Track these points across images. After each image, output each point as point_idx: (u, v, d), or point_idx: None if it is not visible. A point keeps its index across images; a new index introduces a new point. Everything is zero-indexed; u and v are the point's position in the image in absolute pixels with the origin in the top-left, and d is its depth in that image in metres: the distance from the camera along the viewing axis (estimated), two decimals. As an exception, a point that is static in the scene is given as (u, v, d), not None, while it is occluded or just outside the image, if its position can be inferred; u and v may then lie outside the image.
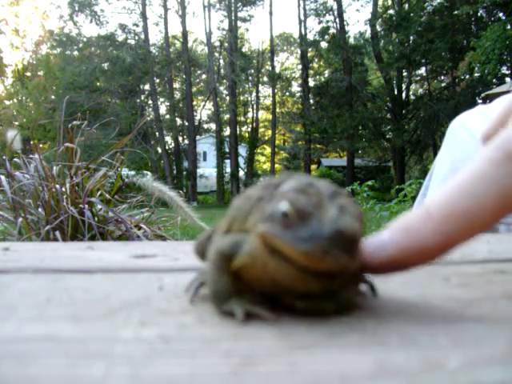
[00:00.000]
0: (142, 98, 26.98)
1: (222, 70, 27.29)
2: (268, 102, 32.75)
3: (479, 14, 22.63)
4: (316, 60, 29.75)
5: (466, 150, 1.10)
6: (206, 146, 30.71)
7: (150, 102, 27.11)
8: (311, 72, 29.32)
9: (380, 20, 25.37)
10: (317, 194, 0.30)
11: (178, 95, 28.91)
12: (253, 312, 0.29)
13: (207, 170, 28.52)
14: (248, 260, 0.30)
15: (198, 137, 28.00)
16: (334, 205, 0.29)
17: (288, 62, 33.66)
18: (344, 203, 0.30)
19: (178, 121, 27.90)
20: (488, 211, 0.28)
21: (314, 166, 31.13)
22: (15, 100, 33.56)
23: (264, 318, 0.29)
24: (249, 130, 31.02)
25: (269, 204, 0.30)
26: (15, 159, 2.67)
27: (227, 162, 26.68)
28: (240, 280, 0.31)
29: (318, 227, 0.27)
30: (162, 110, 28.93)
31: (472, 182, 0.29)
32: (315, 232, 0.27)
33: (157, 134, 26.50)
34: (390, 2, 26.52)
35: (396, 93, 25.70)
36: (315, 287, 0.29)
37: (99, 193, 2.53)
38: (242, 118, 30.89)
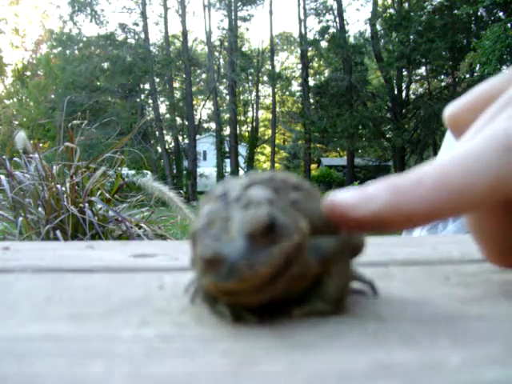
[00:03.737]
0: (142, 97, 27.00)
1: (221, 70, 27.30)
2: (268, 101, 32.80)
3: (479, 14, 22.62)
4: (316, 59, 29.76)
5: None
6: (206, 145, 30.73)
7: (150, 101, 27.12)
8: (311, 71, 29.33)
9: (380, 19, 25.37)
10: (224, 206, 0.29)
11: (178, 94, 28.92)
12: (238, 314, 0.30)
13: (207, 169, 28.53)
14: (215, 295, 0.30)
15: (197, 136, 28.01)
16: (238, 208, 0.28)
17: (288, 61, 33.69)
18: (249, 196, 0.29)
19: (178, 120, 27.92)
20: (478, 192, 0.28)
21: (313, 166, 31.14)
22: (15, 99, 33.57)
23: (247, 321, 0.29)
24: (249, 129, 31.05)
25: (197, 247, 0.29)
26: (15, 158, 2.67)
27: (227, 161, 26.70)
28: None
29: (230, 252, 0.26)
30: (162, 109, 28.97)
31: (469, 160, 0.29)
32: (230, 259, 0.26)
33: (157, 133, 26.51)
34: (389, 2, 26.52)
35: (396, 92, 25.72)
36: (288, 288, 0.29)
37: (99, 192, 2.54)
38: (242, 118, 30.92)
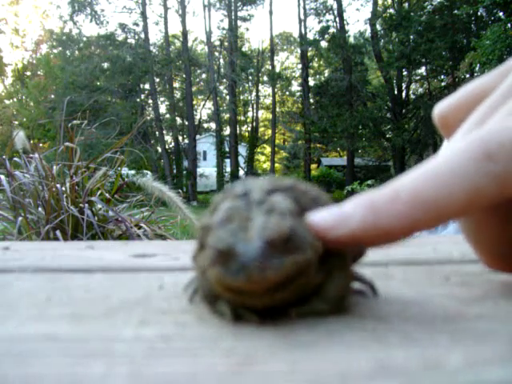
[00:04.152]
0: (142, 97, 27.00)
1: (222, 70, 27.29)
2: (268, 101, 32.79)
3: (479, 14, 22.61)
4: (316, 59, 29.76)
5: None
6: (205, 145, 30.72)
7: (150, 101, 27.13)
8: (311, 71, 29.33)
9: (380, 19, 25.37)
10: (246, 206, 0.30)
11: (177, 94, 28.93)
12: (239, 313, 0.30)
13: (207, 169, 28.54)
14: (218, 290, 0.30)
15: (197, 136, 28.00)
16: (261, 211, 0.29)
17: (288, 61, 33.69)
18: (273, 203, 0.30)
19: (178, 120, 27.92)
20: (455, 205, 0.28)
21: (313, 166, 31.13)
22: (15, 99, 33.56)
23: (248, 320, 0.29)
24: (249, 129, 31.05)
25: (209, 239, 0.29)
26: (15, 158, 2.67)
27: (227, 161, 26.69)
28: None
29: (245, 252, 0.27)
30: (162, 109, 28.98)
31: (445, 171, 0.28)
32: (243, 258, 0.27)
33: (157, 133, 26.52)
34: (389, 2, 26.51)
35: (396, 92, 25.72)
36: (290, 295, 0.29)
37: (99, 192, 2.54)
38: (242, 118, 30.92)
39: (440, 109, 0.39)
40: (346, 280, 0.32)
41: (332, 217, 0.30)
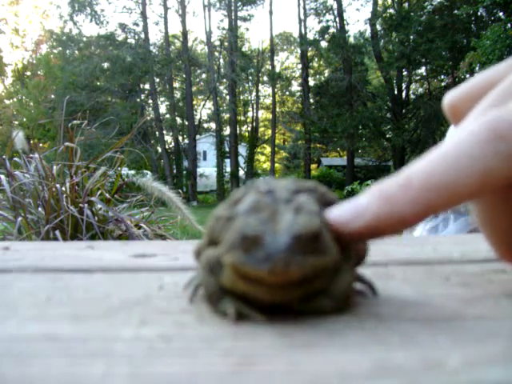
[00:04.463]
0: (142, 97, 26.99)
1: (222, 70, 27.28)
2: (268, 101, 32.78)
3: (479, 14, 22.61)
4: (316, 59, 29.75)
5: None
6: (205, 145, 30.70)
7: (150, 101, 27.11)
8: (311, 71, 29.32)
9: (380, 19, 25.36)
10: (273, 202, 0.30)
11: (177, 95, 28.91)
12: (244, 312, 0.30)
13: (207, 169, 28.53)
14: (229, 284, 0.30)
15: (197, 136, 28.00)
16: (289, 209, 0.29)
17: (288, 61, 33.68)
18: (301, 202, 0.30)
19: (178, 120, 27.91)
20: (468, 187, 0.28)
21: (313, 166, 31.12)
22: (15, 99, 33.55)
23: (254, 319, 0.29)
24: (249, 129, 31.03)
25: (232, 226, 0.30)
26: (15, 158, 2.67)
27: (227, 161, 26.68)
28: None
29: (273, 242, 0.27)
30: (162, 109, 28.96)
31: (457, 155, 0.29)
32: (270, 248, 0.27)
33: (157, 133, 26.50)
34: (389, 2, 26.50)
35: (396, 92, 25.71)
36: (300, 294, 0.29)
37: (99, 192, 2.53)
38: (242, 118, 30.89)
39: (450, 98, 0.39)
40: (351, 280, 0.32)
41: (348, 211, 0.31)
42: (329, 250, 0.29)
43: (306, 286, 0.29)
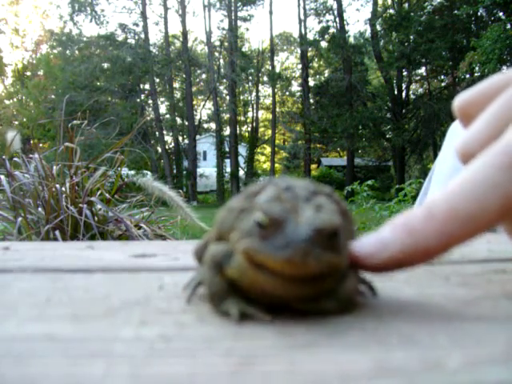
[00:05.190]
0: (142, 97, 26.99)
1: (222, 70, 27.28)
2: (268, 101, 32.77)
3: (479, 14, 22.61)
4: (316, 59, 29.75)
5: None
6: (205, 145, 30.71)
7: (150, 101, 27.11)
8: (311, 71, 29.32)
9: (380, 19, 25.36)
10: (293, 198, 0.30)
11: (177, 95, 28.91)
12: (247, 312, 0.29)
13: (207, 169, 28.53)
14: (237, 274, 0.30)
15: (197, 136, 28.00)
16: (309, 206, 0.29)
17: (288, 61, 33.67)
18: (321, 202, 0.30)
19: (178, 120, 27.90)
20: (491, 214, 0.29)
21: (313, 166, 31.12)
22: (15, 99, 33.55)
23: (258, 319, 0.29)
24: (249, 129, 31.03)
25: (248, 216, 0.30)
26: (15, 159, 2.67)
27: (227, 161, 26.68)
28: (234, 285, 0.31)
29: (294, 231, 0.27)
30: (162, 109, 28.96)
31: (475, 184, 0.29)
32: (291, 237, 0.27)
33: (157, 133, 26.50)
34: (389, 2, 26.51)
35: (396, 92, 25.71)
36: (309, 292, 0.29)
37: (99, 192, 2.53)
38: (242, 118, 30.90)
39: (460, 101, 0.40)
40: (356, 284, 0.33)
41: (373, 244, 0.31)
42: (344, 250, 0.29)
43: (317, 284, 0.29)
